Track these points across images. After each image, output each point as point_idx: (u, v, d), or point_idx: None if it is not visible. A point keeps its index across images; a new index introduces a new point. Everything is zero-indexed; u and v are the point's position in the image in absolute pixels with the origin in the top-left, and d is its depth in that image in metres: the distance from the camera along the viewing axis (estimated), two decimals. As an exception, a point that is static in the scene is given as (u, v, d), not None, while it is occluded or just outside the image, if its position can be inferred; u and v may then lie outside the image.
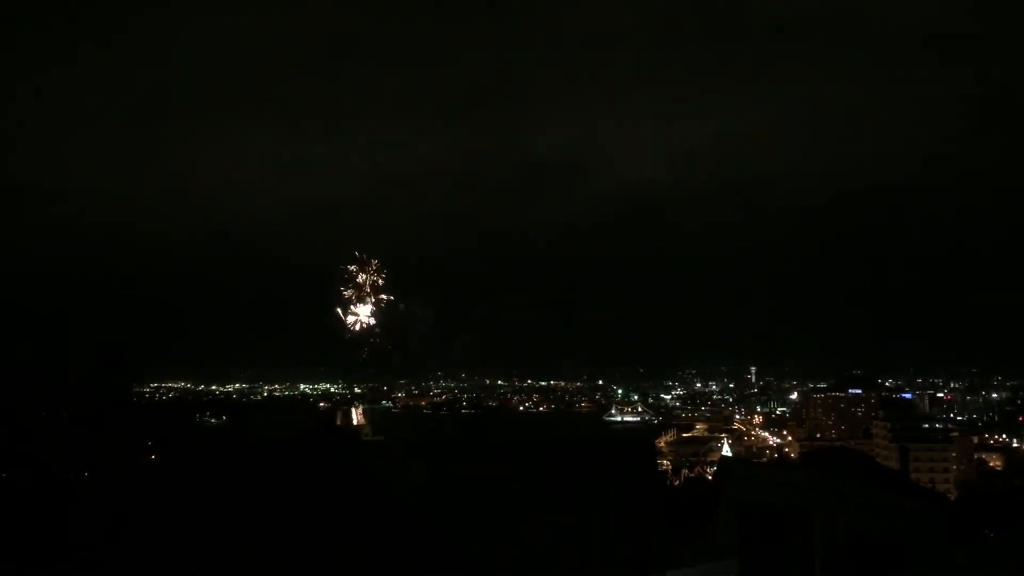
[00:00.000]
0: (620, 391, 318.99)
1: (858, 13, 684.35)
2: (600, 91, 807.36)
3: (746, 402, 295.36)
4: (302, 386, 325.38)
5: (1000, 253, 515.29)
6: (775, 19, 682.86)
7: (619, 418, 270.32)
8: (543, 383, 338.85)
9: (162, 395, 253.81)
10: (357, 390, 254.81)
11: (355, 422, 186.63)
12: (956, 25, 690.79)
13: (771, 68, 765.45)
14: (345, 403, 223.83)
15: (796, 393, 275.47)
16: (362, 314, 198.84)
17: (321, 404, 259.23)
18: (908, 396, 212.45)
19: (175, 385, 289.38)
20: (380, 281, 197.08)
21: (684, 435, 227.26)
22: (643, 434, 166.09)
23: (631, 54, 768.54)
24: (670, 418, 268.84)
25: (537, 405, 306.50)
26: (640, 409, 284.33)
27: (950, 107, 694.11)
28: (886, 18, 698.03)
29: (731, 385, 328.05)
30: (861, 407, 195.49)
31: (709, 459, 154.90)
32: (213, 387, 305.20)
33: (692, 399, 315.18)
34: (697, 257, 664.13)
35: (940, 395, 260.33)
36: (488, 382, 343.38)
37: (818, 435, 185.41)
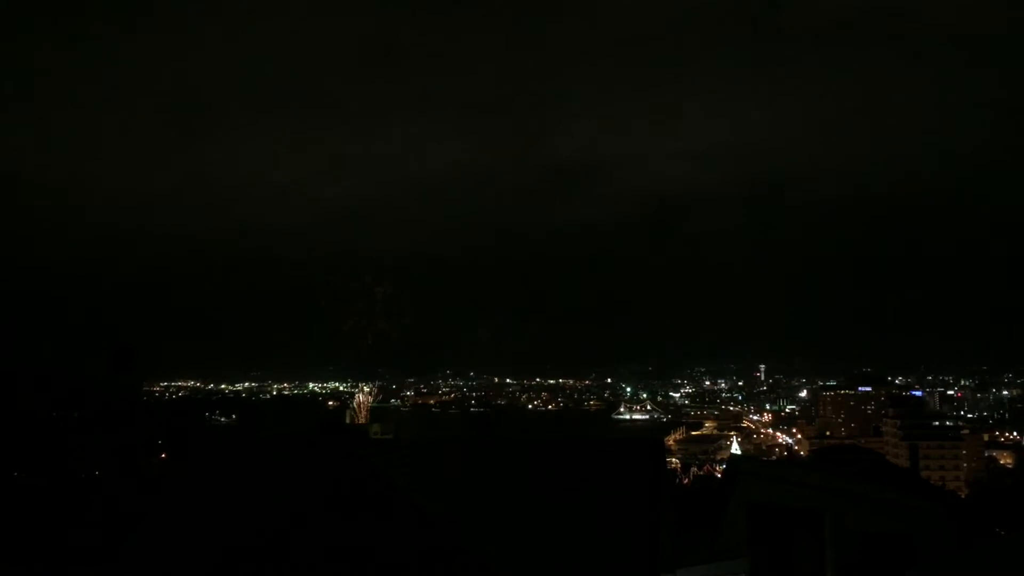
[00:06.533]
0: (629, 389, 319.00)
1: (883, 15, 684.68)
2: (622, 92, 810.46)
3: (755, 400, 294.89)
4: (311, 385, 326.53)
5: (1012, 252, 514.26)
6: (798, 20, 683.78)
7: (628, 416, 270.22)
8: (552, 381, 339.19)
9: (172, 394, 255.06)
10: (366, 388, 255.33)
11: (362, 420, 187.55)
12: (984, 26, 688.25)
13: (792, 68, 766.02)
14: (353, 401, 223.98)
15: (805, 391, 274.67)
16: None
17: (330, 403, 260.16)
18: (918, 393, 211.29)
19: (185, 384, 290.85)
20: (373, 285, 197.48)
21: (693, 433, 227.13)
22: (652, 432, 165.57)
23: (653, 55, 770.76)
24: (679, 416, 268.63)
25: (546, 403, 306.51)
26: (649, 407, 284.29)
27: (972, 108, 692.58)
28: (912, 20, 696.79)
29: (740, 383, 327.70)
30: (871, 405, 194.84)
31: (718, 457, 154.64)
32: (223, 386, 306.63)
33: (701, 397, 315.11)
34: (707, 256, 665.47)
35: (950, 392, 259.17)
36: (496, 380, 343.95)
37: (828, 433, 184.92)
